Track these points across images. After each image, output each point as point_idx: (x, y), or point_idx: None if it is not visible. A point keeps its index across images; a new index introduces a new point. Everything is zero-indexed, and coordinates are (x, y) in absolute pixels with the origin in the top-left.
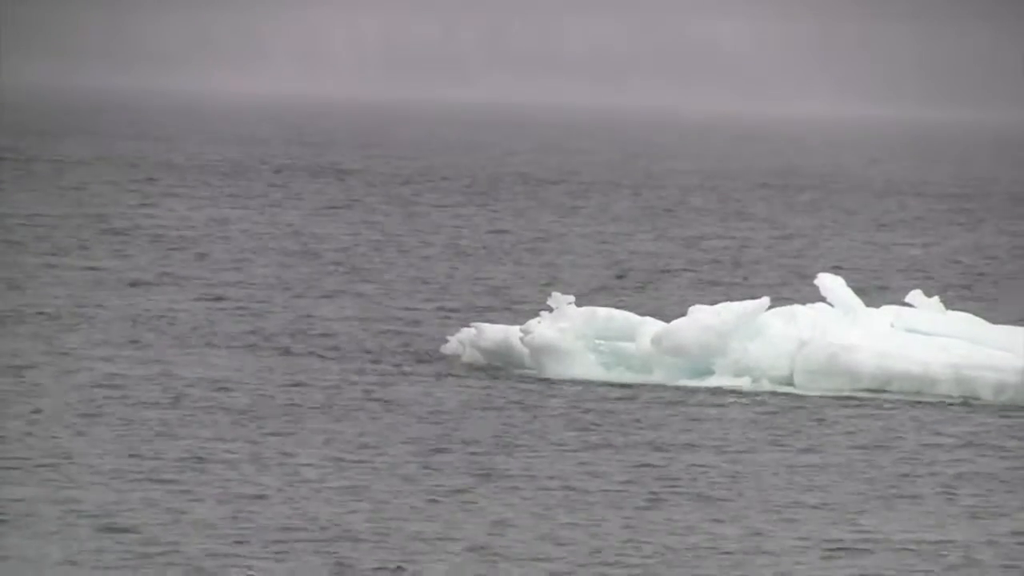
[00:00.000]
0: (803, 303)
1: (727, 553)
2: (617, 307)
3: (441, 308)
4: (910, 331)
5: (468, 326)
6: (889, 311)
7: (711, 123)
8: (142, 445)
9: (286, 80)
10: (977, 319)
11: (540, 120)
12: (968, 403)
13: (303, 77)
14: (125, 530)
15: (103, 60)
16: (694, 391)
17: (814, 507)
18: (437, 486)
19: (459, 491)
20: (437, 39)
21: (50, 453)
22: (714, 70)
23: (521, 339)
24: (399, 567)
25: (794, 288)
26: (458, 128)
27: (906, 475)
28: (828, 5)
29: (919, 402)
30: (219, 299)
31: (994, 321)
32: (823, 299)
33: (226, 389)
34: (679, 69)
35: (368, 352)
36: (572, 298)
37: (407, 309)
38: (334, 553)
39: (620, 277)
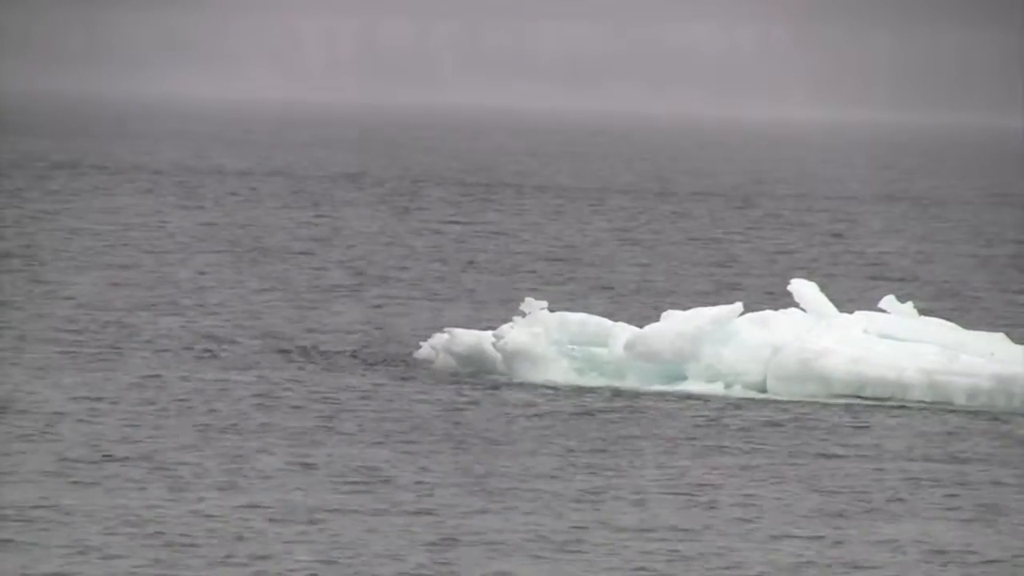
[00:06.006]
0: (776, 309)
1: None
2: (590, 312)
3: (416, 312)
4: (883, 337)
5: (441, 331)
6: (862, 317)
7: (686, 127)
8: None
9: (258, 83)
10: (950, 324)
11: (514, 124)
12: (941, 409)
13: (276, 80)
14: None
15: (75, 62)
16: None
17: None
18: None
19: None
20: (410, 42)
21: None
22: (689, 74)
23: (494, 344)
24: None
25: (767, 293)
26: (431, 131)
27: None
28: (803, 9)
29: (893, 407)
30: (176, 304)
31: (967, 327)
32: (796, 304)
33: (189, 394)
34: (654, 72)
35: (339, 356)
36: (545, 303)
37: (381, 313)
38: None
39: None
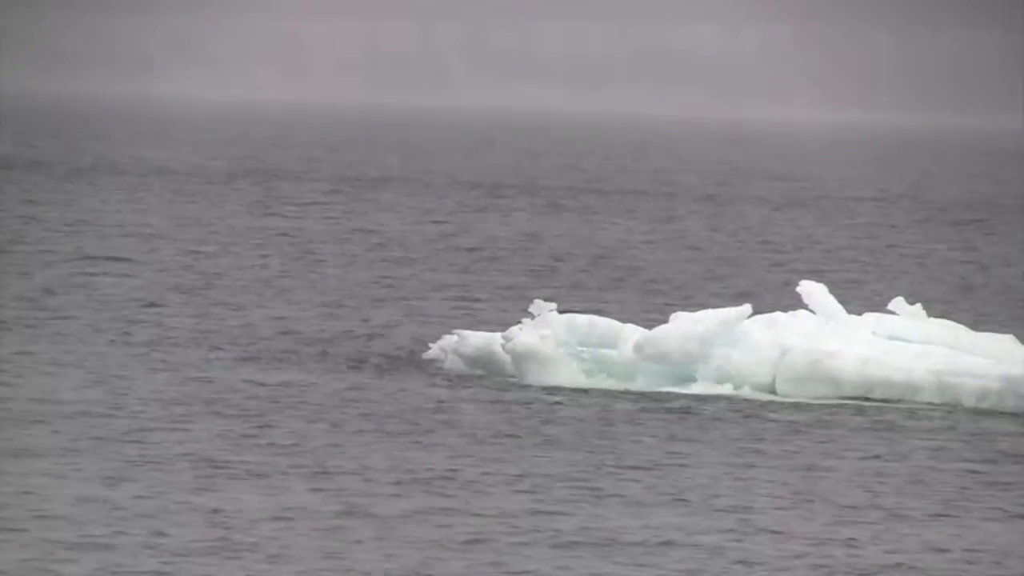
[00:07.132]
0: (785, 310)
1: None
2: (599, 314)
3: (424, 313)
4: (892, 338)
5: (450, 333)
6: (871, 318)
7: (689, 127)
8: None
9: (262, 85)
10: (959, 326)
11: (518, 125)
12: (950, 410)
13: (281, 82)
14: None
15: (81, 65)
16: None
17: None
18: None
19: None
20: (414, 46)
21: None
22: (692, 74)
23: (503, 346)
24: None
25: (775, 295)
26: (436, 132)
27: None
28: (804, 9)
29: (901, 408)
30: (195, 298)
31: (976, 328)
32: (805, 306)
33: (191, 395)
34: (656, 73)
35: (347, 357)
36: (554, 305)
37: (389, 314)
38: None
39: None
